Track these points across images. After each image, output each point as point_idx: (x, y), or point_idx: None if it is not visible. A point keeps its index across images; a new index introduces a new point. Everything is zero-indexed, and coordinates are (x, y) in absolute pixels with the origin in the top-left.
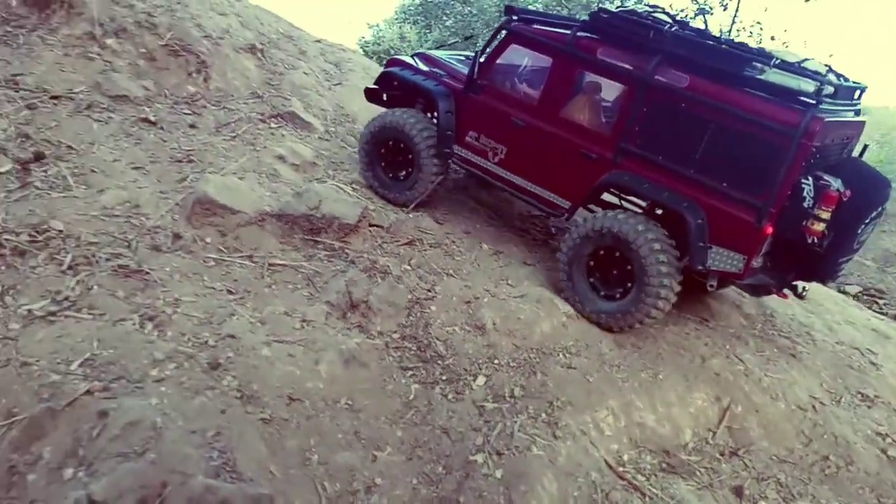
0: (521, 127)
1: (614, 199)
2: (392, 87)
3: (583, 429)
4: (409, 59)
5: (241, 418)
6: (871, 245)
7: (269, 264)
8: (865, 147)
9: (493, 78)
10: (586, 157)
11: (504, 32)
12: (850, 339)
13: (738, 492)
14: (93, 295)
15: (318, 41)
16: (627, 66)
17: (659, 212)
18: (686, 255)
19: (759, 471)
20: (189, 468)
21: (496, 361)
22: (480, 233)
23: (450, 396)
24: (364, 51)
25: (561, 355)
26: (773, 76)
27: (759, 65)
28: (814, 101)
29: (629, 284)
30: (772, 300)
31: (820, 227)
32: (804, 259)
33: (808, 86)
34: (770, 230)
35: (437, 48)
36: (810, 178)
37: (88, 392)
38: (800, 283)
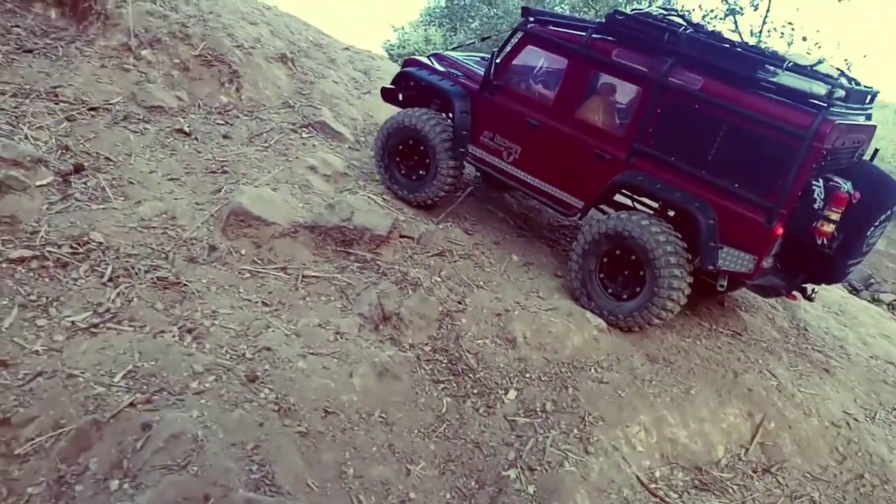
0: (535, 127)
1: (626, 201)
2: (408, 87)
3: (615, 444)
4: (425, 60)
5: (279, 431)
6: None
7: (303, 276)
8: (876, 151)
9: (509, 79)
10: (600, 158)
11: (520, 34)
12: (886, 353)
13: None
14: (133, 307)
15: (347, 48)
16: (642, 68)
17: (671, 213)
18: (697, 256)
19: (792, 489)
20: (230, 481)
21: (527, 375)
22: (510, 244)
23: (481, 410)
24: (389, 54)
25: (592, 370)
26: (786, 79)
27: (771, 67)
28: (825, 104)
29: (641, 285)
30: (807, 314)
31: (829, 228)
32: (814, 261)
33: (820, 88)
34: (780, 231)
35: (454, 49)
36: (821, 180)
37: (132, 404)
38: (809, 286)
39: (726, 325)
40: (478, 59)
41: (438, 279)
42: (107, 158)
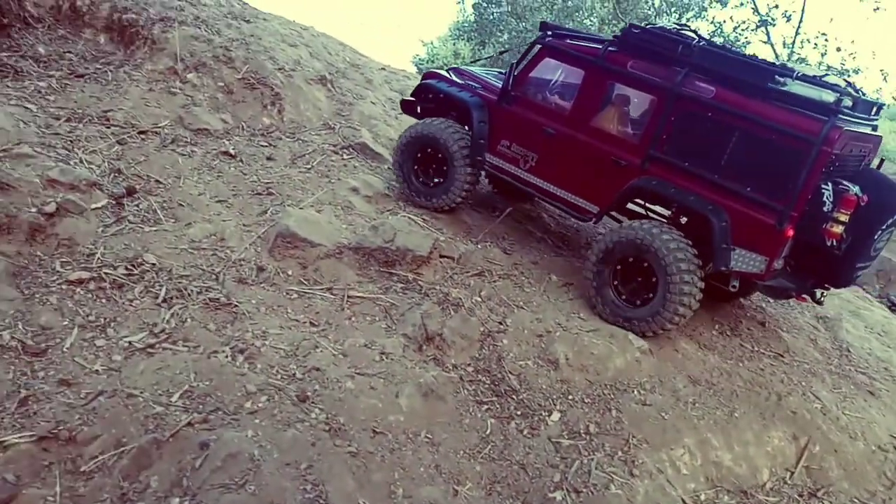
0: (552, 135)
1: (639, 211)
2: (427, 99)
3: (659, 467)
4: (444, 73)
5: (331, 451)
6: None
7: (348, 296)
8: (882, 161)
9: (526, 90)
10: (616, 164)
11: (538, 47)
12: None
13: None
14: (187, 327)
15: (383, 68)
16: (657, 78)
17: (683, 220)
18: (709, 262)
19: None
20: (286, 501)
21: (570, 397)
22: (549, 263)
23: (525, 432)
24: (418, 68)
25: (635, 392)
26: (796, 88)
27: (781, 77)
28: (834, 112)
29: (654, 291)
30: (850, 334)
31: (839, 229)
32: (823, 264)
33: (829, 97)
34: (791, 233)
35: (472, 63)
36: (829, 184)
37: (189, 424)
38: (818, 290)
39: (768, 346)
40: (495, 73)
41: (479, 299)
42: (157, 181)
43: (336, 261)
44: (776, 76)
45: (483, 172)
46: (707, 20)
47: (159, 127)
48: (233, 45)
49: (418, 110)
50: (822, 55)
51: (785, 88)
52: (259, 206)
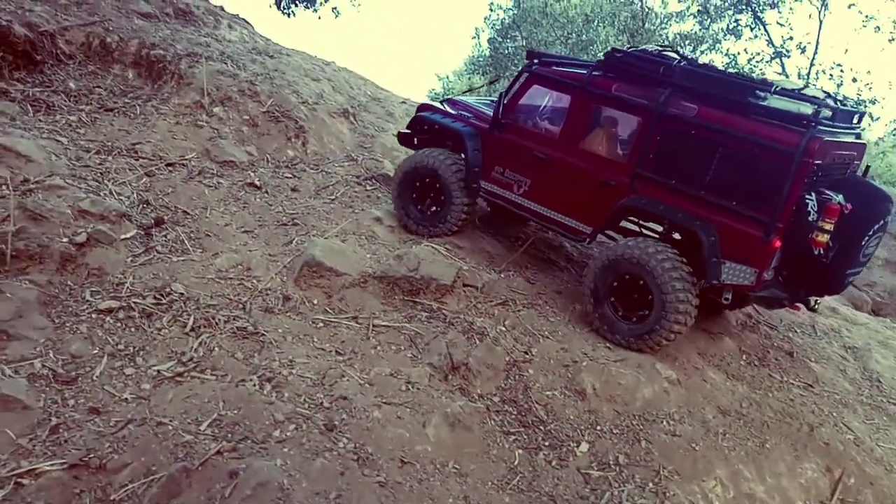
0: (543, 160)
1: (633, 227)
2: (423, 130)
3: (691, 499)
4: (438, 105)
5: (359, 481)
6: None
7: (373, 325)
8: (868, 168)
9: (517, 117)
10: (606, 184)
11: (526, 75)
12: None
13: None
14: (215, 356)
15: (404, 102)
16: (640, 100)
17: (676, 236)
18: (702, 276)
19: None
20: None
21: (598, 427)
22: (572, 293)
23: (554, 463)
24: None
25: (664, 422)
26: (775, 102)
27: (761, 93)
28: (812, 123)
29: (650, 307)
30: (879, 364)
31: (824, 238)
32: (814, 273)
33: (807, 109)
34: (778, 244)
35: (464, 93)
36: (813, 194)
37: (219, 452)
38: (812, 298)
39: (797, 376)
40: (487, 101)
41: (504, 329)
42: (184, 212)
43: (361, 290)
44: (755, 91)
45: (479, 199)
46: (721, 52)
47: (186, 159)
48: (257, 80)
49: (415, 142)
50: (838, 86)
51: (764, 103)
52: (284, 237)
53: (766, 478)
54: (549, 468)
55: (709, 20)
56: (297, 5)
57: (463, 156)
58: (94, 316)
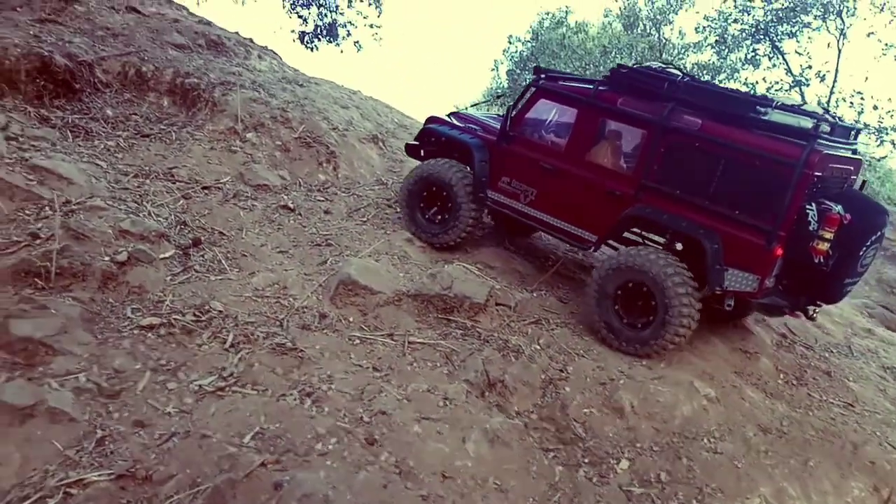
0: (549, 171)
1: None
2: (430, 142)
3: None
4: (445, 118)
5: (402, 494)
6: None
7: (409, 342)
8: (864, 182)
9: (524, 129)
10: (611, 195)
11: (533, 90)
12: None
13: None
14: (254, 371)
15: None
16: (645, 114)
17: (679, 246)
18: (706, 283)
19: None
20: None
21: (638, 445)
22: None
23: (594, 480)
24: None
25: (705, 440)
26: (776, 116)
27: (762, 107)
28: (812, 136)
29: (654, 314)
30: None
31: (824, 246)
32: (814, 281)
33: (807, 123)
34: (780, 252)
35: (470, 107)
36: (813, 204)
37: (263, 464)
38: (811, 307)
39: (836, 396)
40: (493, 115)
41: (538, 347)
42: (221, 233)
43: (395, 307)
44: (757, 106)
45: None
46: (739, 81)
47: (221, 182)
48: (289, 107)
49: (422, 153)
50: (859, 113)
51: (765, 117)
52: (319, 257)
53: (812, 496)
54: (590, 485)
55: (726, 50)
56: (319, 39)
57: (469, 167)
58: (135, 332)
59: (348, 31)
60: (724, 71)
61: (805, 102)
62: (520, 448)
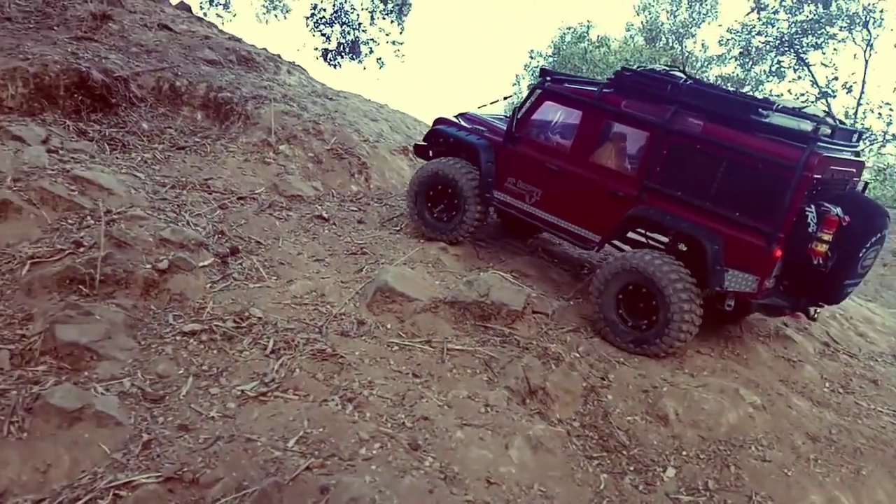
0: (554, 172)
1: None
2: (438, 143)
3: None
4: (452, 119)
5: (449, 499)
6: None
7: (447, 349)
8: (866, 184)
9: (529, 131)
10: (614, 196)
11: (538, 92)
12: None
13: None
14: (296, 377)
15: None
16: (649, 116)
17: (682, 247)
18: (706, 283)
19: None
20: None
21: (684, 453)
22: None
23: (641, 487)
24: None
25: (752, 448)
26: (777, 119)
27: (763, 110)
28: (812, 139)
29: (657, 315)
30: None
31: (823, 248)
32: (813, 282)
33: (807, 126)
34: (779, 253)
35: (477, 108)
36: (813, 206)
37: (308, 468)
38: (812, 308)
39: (885, 404)
40: (499, 116)
41: (577, 355)
42: (257, 242)
43: (432, 315)
44: (758, 109)
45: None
46: (764, 94)
47: (256, 193)
48: (320, 120)
49: (430, 154)
50: (888, 124)
51: (766, 120)
52: (354, 265)
53: None
54: (637, 493)
55: (750, 63)
56: (342, 57)
57: (476, 167)
58: (178, 338)
59: (371, 48)
60: (749, 83)
61: (807, 105)
62: (563, 455)
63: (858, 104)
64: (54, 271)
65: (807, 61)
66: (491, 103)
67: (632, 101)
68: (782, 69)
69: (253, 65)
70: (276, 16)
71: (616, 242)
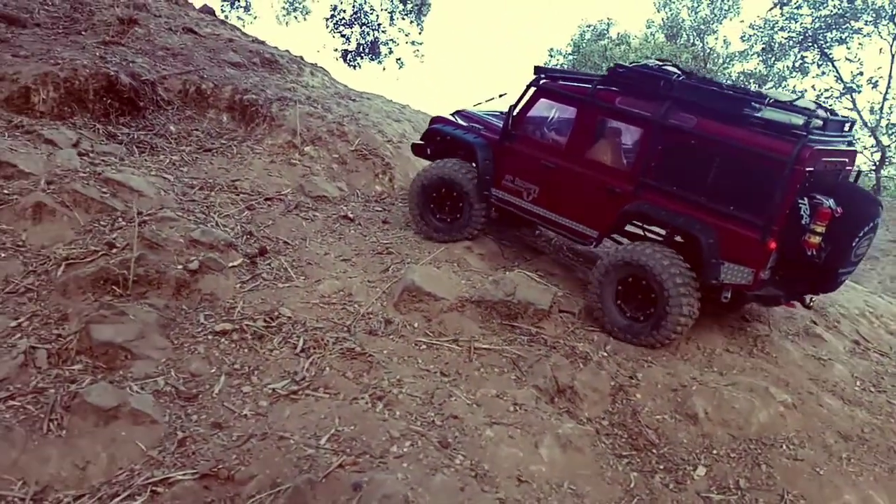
0: (551, 169)
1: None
2: (436, 142)
3: None
4: (450, 117)
5: (480, 497)
6: None
7: (474, 348)
8: (860, 173)
9: (525, 128)
10: (610, 191)
11: (533, 89)
12: None
13: None
14: (326, 375)
15: None
16: (643, 112)
17: (678, 239)
18: (702, 276)
19: None
20: None
21: (714, 451)
22: None
23: (671, 486)
24: None
25: (784, 446)
26: (769, 113)
27: (755, 104)
28: (803, 133)
29: (654, 306)
30: None
31: (816, 239)
32: (809, 272)
33: (799, 120)
34: (773, 245)
35: (474, 106)
36: (806, 199)
37: (341, 466)
38: (807, 296)
39: None
40: (497, 113)
41: (605, 354)
42: (285, 242)
43: (459, 314)
44: (751, 103)
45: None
46: (788, 90)
47: (283, 194)
48: (344, 121)
49: (428, 152)
50: None
51: (758, 114)
52: (381, 264)
53: None
54: (667, 491)
55: (773, 58)
56: (362, 58)
57: (474, 165)
58: (209, 337)
59: (390, 48)
60: (772, 79)
61: (799, 98)
62: (592, 454)
63: (884, 99)
64: (88, 272)
65: (831, 57)
66: (487, 101)
67: (626, 97)
68: (806, 65)
69: (276, 67)
70: (295, 17)
71: (614, 235)
